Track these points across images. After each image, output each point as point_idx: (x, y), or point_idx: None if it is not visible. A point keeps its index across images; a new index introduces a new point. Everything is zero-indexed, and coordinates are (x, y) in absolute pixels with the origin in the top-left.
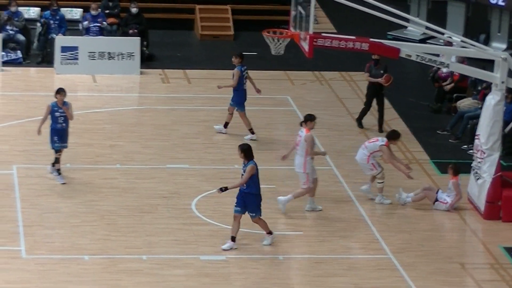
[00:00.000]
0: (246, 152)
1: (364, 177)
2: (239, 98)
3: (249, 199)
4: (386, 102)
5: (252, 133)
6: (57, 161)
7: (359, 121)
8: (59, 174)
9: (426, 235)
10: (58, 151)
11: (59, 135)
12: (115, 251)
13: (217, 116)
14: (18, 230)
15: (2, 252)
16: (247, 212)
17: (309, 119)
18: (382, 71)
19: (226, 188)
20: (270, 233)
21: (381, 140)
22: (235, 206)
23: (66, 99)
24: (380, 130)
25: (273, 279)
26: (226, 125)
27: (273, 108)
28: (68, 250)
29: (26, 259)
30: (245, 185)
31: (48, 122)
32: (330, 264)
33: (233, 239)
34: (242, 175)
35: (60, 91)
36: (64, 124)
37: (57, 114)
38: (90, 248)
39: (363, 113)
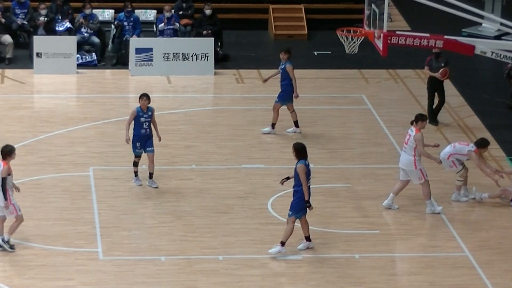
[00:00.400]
0: (296, 151)
1: (442, 174)
2: (288, 93)
3: (295, 197)
4: (462, 99)
5: (273, 127)
6: (135, 164)
7: (431, 117)
8: (136, 175)
9: (504, 232)
10: (138, 156)
11: (142, 141)
12: (192, 252)
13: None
14: (95, 232)
15: (80, 254)
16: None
17: (420, 118)
18: (443, 64)
19: (288, 178)
20: (282, 243)
21: (471, 146)
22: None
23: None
24: (435, 122)
25: (349, 278)
26: (273, 125)
27: (348, 106)
28: (145, 251)
29: (103, 260)
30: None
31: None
32: (407, 263)
33: (307, 238)
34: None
35: (143, 96)
36: (148, 130)
37: (142, 119)
38: (167, 249)
39: (430, 108)
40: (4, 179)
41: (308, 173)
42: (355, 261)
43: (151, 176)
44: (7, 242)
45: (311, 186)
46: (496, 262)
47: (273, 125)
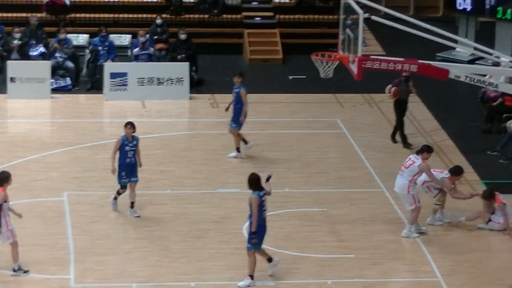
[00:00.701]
0: (250, 182)
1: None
2: (238, 117)
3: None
4: (436, 123)
5: (238, 151)
6: (118, 193)
7: (403, 140)
8: (115, 199)
9: (479, 256)
10: (123, 186)
11: (128, 170)
12: (165, 278)
13: (267, 140)
14: (69, 258)
15: (52, 281)
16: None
17: (427, 150)
18: (410, 89)
19: (269, 177)
20: (251, 277)
21: (445, 173)
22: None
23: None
24: (393, 140)
25: None
26: (238, 149)
27: (323, 131)
28: (117, 278)
29: (75, 287)
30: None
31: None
32: None
33: (269, 260)
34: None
35: (128, 125)
36: (133, 159)
37: (127, 148)
38: (140, 275)
39: (396, 129)
40: (0, 206)
41: (261, 205)
42: (327, 287)
43: (132, 205)
44: (19, 269)
45: (286, 211)
46: (468, 286)
47: (237, 149)
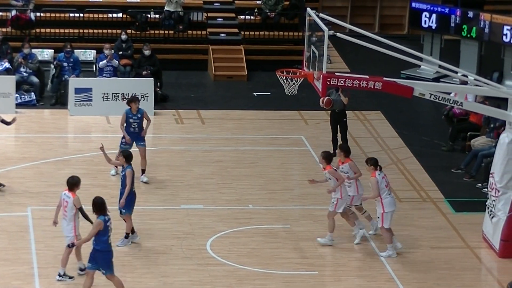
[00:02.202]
0: (95, 205)
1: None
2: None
3: (99, 256)
4: (400, 141)
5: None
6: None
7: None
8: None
9: (442, 274)
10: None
11: (132, 137)
12: None
13: (231, 156)
14: (33, 272)
15: None
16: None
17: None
18: (341, 98)
19: (73, 244)
20: None
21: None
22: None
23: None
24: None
25: None
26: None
27: (287, 148)
28: None
29: None
30: (93, 241)
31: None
32: None
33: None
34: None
35: (132, 101)
36: (137, 129)
37: (131, 120)
38: None
39: (334, 142)
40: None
41: (105, 229)
42: None
43: (143, 172)
44: (65, 274)
45: (250, 227)
46: None
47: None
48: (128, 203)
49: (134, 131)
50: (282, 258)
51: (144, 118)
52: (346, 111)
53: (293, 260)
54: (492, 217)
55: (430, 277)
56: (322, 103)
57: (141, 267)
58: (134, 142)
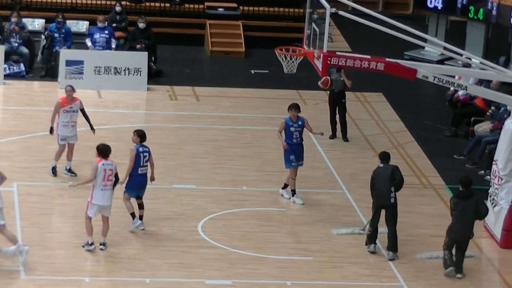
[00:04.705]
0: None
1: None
2: None
3: None
4: (402, 124)
5: None
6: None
7: (334, 133)
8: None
9: (441, 262)
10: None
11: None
12: (118, 274)
13: (226, 136)
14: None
15: (1, 272)
16: None
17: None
18: (342, 79)
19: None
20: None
21: None
22: None
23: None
24: (345, 139)
25: None
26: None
27: None
28: (69, 272)
29: (25, 280)
30: None
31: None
32: None
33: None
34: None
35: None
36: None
37: (292, 129)
38: (92, 270)
39: (333, 123)
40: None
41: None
42: None
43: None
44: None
45: (243, 210)
46: None
47: None
48: (129, 185)
49: (297, 141)
50: (276, 243)
51: (305, 127)
52: (346, 92)
53: (288, 245)
54: (494, 206)
55: (429, 265)
56: (320, 82)
57: (130, 248)
58: (295, 158)
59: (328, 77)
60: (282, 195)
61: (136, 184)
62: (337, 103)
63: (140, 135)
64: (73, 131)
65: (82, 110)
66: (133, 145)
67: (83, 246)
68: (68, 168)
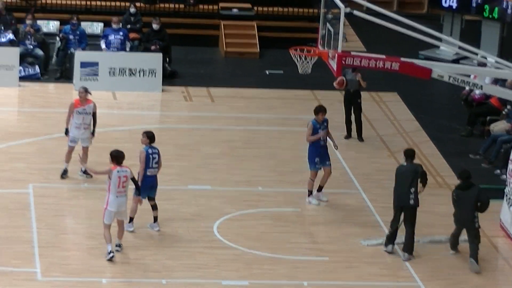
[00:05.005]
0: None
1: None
2: None
3: None
4: (417, 124)
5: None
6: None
7: (349, 133)
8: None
9: (455, 262)
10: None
11: None
12: (134, 275)
13: (241, 136)
14: (34, 251)
15: (18, 274)
16: None
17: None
18: (357, 78)
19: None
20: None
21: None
22: None
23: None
24: (360, 139)
25: None
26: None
27: (299, 128)
28: (85, 273)
29: (42, 281)
30: None
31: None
32: None
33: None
34: None
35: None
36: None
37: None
38: (108, 271)
39: (348, 123)
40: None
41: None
42: None
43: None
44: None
45: (258, 210)
46: None
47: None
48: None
49: (323, 144)
50: (291, 243)
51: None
52: (361, 92)
53: (303, 245)
54: (511, 206)
55: (445, 265)
56: (336, 83)
57: (145, 249)
58: (319, 161)
59: (343, 78)
60: (320, 199)
61: (146, 186)
62: (352, 103)
63: (149, 137)
64: (85, 134)
65: (94, 114)
66: (142, 146)
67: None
68: (83, 170)
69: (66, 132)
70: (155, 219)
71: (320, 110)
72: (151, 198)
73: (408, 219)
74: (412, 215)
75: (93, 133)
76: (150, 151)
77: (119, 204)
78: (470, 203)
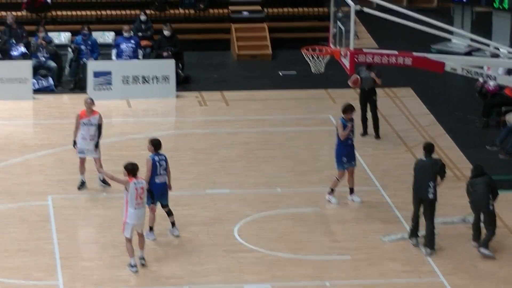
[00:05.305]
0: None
1: (408, 196)
2: None
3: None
4: (432, 118)
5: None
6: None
7: (365, 130)
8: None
9: (478, 255)
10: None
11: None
12: (157, 282)
13: (257, 138)
14: (55, 263)
15: (40, 286)
16: None
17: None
18: (372, 75)
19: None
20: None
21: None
22: None
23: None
24: (377, 136)
25: None
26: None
27: (315, 128)
28: (108, 283)
29: None
30: None
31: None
32: None
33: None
34: None
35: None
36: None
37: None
38: (131, 280)
39: (363, 120)
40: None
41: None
42: None
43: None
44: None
45: (278, 211)
46: (471, 285)
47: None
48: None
49: (351, 142)
50: (312, 243)
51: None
52: (376, 89)
53: (324, 244)
54: None
55: (466, 257)
56: (350, 81)
57: (167, 256)
58: (347, 160)
59: (358, 76)
60: (353, 200)
61: (156, 193)
62: (368, 101)
63: (154, 144)
64: (90, 145)
65: (99, 126)
66: (148, 154)
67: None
68: (101, 179)
69: (74, 144)
70: (173, 224)
71: (349, 108)
72: (164, 205)
73: (427, 213)
74: (431, 209)
75: (96, 145)
76: (156, 158)
77: (137, 216)
78: (483, 187)
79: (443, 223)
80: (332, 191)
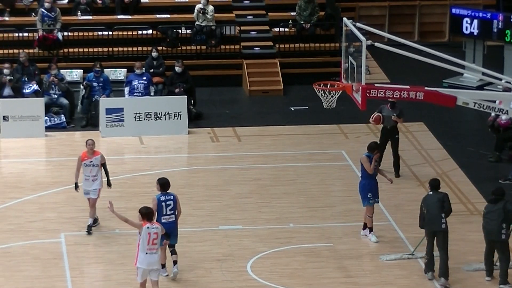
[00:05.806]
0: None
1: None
2: None
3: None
4: (445, 152)
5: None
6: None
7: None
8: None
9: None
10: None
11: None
12: None
13: (269, 174)
14: None
15: None
16: None
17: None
18: (394, 114)
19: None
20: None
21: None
22: None
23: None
24: (397, 175)
25: None
26: None
27: (327, 163)
28: None
29: None
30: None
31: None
32: None
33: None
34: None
35: (162, 185)
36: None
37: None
38: None
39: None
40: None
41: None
42: None
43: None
44: None
45: (291, 247)
46: None
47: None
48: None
49: (376, 179)
50: (326, 278)
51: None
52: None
53: (338, 279)
54: None
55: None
56: (372, 119)
57: None
58: (372, 195)
59: (380, 114)
60: (366, 236)
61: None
62: (390, 139)
63: (161, 184)
64: (93, 185)
65: (104, 165)
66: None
67: None
68: (89, 223)
69: (76, 186)
70: (174, 262)
71: (375, 147)
72: (170, 245)
73: (440, 244)
74: (444, 240)
75: (108, 184)
76: (162, 198)
77: (149, 262)
78: (497, 215)
79: (474, 270)
80: (370, 229)
